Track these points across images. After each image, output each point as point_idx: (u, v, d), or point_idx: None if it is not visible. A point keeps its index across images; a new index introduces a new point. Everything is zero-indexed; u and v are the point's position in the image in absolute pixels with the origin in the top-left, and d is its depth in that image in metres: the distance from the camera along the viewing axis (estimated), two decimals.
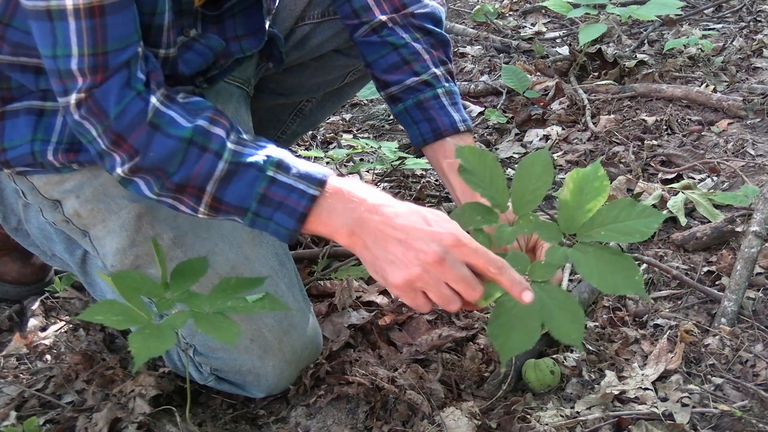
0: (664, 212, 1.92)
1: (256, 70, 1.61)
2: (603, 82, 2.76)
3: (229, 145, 1.09)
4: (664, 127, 2.42)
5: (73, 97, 1.07)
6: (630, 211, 1.07)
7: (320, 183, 1.08)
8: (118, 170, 1.12)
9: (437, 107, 1.39)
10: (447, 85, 1.41)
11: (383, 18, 1.41)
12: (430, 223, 1.05)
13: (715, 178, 2.12)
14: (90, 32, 1.03)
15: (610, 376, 1.42)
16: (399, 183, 2.23)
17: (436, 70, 1.40)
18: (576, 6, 2.88)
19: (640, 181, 2.11)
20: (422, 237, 1.03)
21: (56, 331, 1.62)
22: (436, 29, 1.43)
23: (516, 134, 2.53)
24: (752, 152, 2.24)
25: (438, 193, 2.16)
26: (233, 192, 1.09)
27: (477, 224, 1.13)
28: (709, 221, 1.88)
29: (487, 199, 1.15)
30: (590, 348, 1.50)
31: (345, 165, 2.30)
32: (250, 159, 1.09)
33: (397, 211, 1.06)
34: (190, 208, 1.13)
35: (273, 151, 1.11)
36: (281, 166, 1.09)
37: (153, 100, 1.08)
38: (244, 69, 1.54)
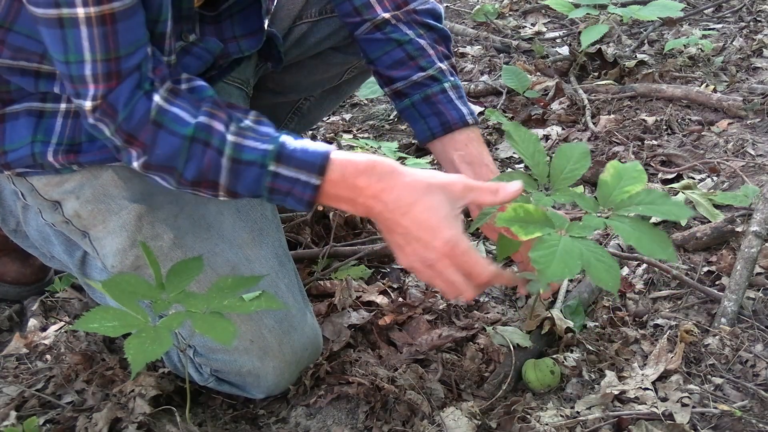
0: None
1: (255, 70, 1.61)
2: (603, 82, 2.76)
3: (230, 137, 1.11)
4: (664, 127, 2.43)
5: (88, 104, 1.09)
6: (665, 200, 1.14)
7: (320, 171, 1.11)
8: (135, 164, 1.15)
9: (445, 101, 1.39)
10: (452, 79, 1.42)
11: (386, 15, 1.41)
12: (427, 228, 1.10)
13: (715, 178, 2.12)
14: (102, 39, 1.04)
15: (610, 376, 1.42)
16: None
17: (441, 65, 1.41)
18: (577, 6, 2.88)
19: None
20: (419, 240, 1.11)
21: (56, 331, 1.62)
22: (438, 24, 1.44)
23: None
24: (752, 152, 2.24)
25: None
26: (244, 186, 1.14)
27: None
28: (709, 221, 1.88)
29: (530, 169, 1.22)
30: (590, 348, 1.50)
31: None
32: (250, 156, 1.11)
33: (398, 203, 1.10)
34: (211, 196, 1.17)
35: (271, 141, 1.12)
36: (281, 158, 1.11)
37: (156, 98, 1.10)
38: (243, 69, 1.54)
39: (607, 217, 1.14)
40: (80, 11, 1.01)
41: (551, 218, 1.12)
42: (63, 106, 1.26)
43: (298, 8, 1.63)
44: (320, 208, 1.91)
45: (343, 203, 1.14)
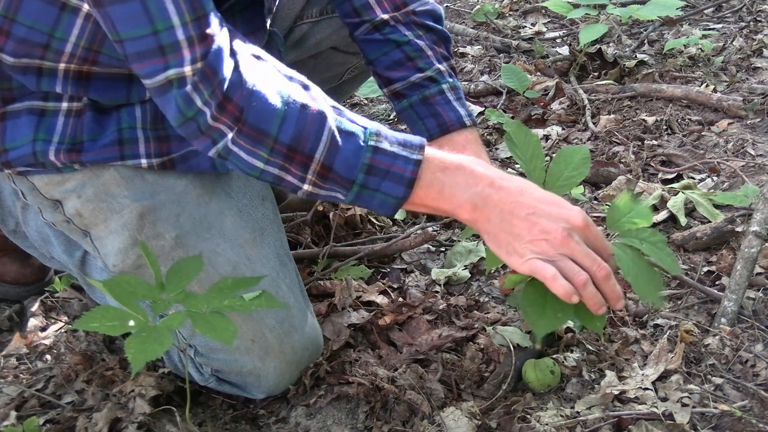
0: (664, 212, 1.93)
1: None
2: (603, 82, 2.76)
3: (326, 108, 1.09)
4: (664, 127, 2.43)
5: (187, 69, 1.02)
6: (664, 246, 1.16)
7: (420, 148, 1.09)
8: (227, 139, 1.07)
9: (443, 102, 1.40)
10: (451, 80, 1.42)
11: (385, 16, 1.42)
12: (554, 202, 1.08)
13: (715, 178, 2.12)
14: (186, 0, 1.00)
15: (610, 376, 1.42)
16: None
17: (440, 66, 1.41)
18: (576, 6, 2.88)
19: (640, 181, 2.11)
20: (549, 215, 1.05)
21: (56, 331, 1.62)
22: (437, 26, 1.44)
23: None
24: (752, 152, 2.24)
25: None
26: (342, 160, 1.07)
27: None
28: (709, 221, 1.88)
29: (525, 174, 1.19)
30: (590, 348, 1.51)
31: None
32: (350, 128, 1.08)
33: (520, 187, 1.08)
34: (297, 178, 1.10)
35: (368, 121, 1.11)
36: (380, 136, 1.09)
37: (244, 58, 1.06)
38: None
39: (613, 242, 1.15)
40: None
41: None
42: (65, 105, 1.26)
43: (299, 8, 1.63)
44: (320, 208, 1.91)
45: (457, 194, 1.07)
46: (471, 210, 1.08)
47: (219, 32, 1.04)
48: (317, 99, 1.09)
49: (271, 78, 1.07)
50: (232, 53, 1.05)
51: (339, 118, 1.09)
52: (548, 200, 1.08)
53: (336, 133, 1.07)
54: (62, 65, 1.21)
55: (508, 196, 1.07)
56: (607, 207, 1.25)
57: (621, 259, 1.12)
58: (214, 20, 1.04)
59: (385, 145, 1.08)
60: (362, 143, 1.07)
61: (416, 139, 1.10)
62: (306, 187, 1.10)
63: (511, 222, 1.06)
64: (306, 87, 1.10)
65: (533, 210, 1.06)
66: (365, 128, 1.09)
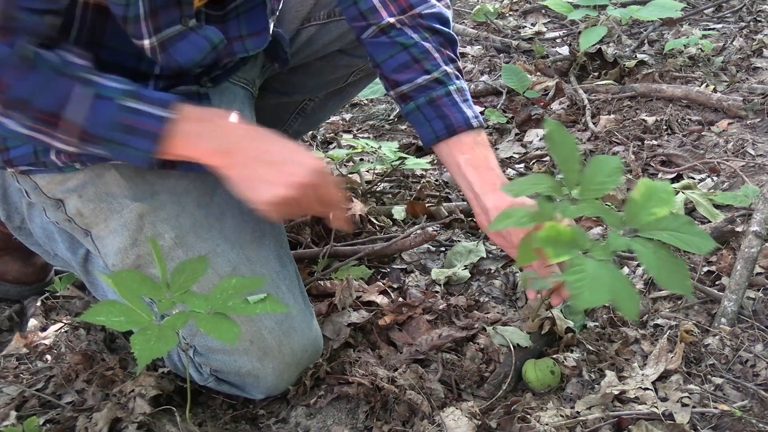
0: None
1: (261, 71, 1.62)
2: (603, 82, 2.76)
3: (91, 75, 1.14)
4: (664, 127, 2.43)
5: None
6: (689, 228, 1.14)
7: (171, 106, 1.15)
8: None
9: (450, 104, 1.40)
10: (458, 82, 1.42)
11: (391, 20, 1.42)
12: (295, 151, 1.19)
13: (715, 178, 2.13)
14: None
15: (610, 376, 1.42)
16: (399, 183, 2.24)
17: (446, 68, 1.41)
18: (576, 6, 2.88)
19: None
20: (292, 161, 1.17)
21: (56, 331, 1.62)
22: (444, 28, 1.44)
23: (516, 134, 2.54)
24: (752, 152, 2.24)
25: (438, 193, 2.16)
26: (96, 121, 1.13)
27: (545, 190, 1.18)
28: (709, 221, 1.88)
29: (562, 173, 1.20)
30: (590, 348, 1.51)
31: (345, 165, 2.30)
32: (105, 91, 1.14)
33: (265, 136, 1.20)
34: (62, 141, 1.16)
35: (126, 83, 1.16)
36: (134, 95, 1.14)
37: (33, 47, 1.11)
38: (249, 70, 1.54)
39: (632, 238, 1.14)
40: None
41: (577, 238, 1.11)
42: None
43: (307, 10, 1.63)
44: None
45: (204, 142, 1.16)
46: (221, 156, 1.17)
47: (13, 32, 1.08)
48: (83, 63, 1.15)
49: (48, 59, 1.12)
50: (11, 44, 1.09)
51: (97, 83, 1.14)
52: (288, 149, 1.19)
53: (92, 97, 1.13)
54: None
55: (254, 144, 1.18)
56: (608, 206, 1.23)
57: (642, 254, 1.12)
58: (15, 25, 1.08)
59: (135, 104, 1.14)
60: (114, 103, 1.13)
61: (171, 97, 1.17)
62: (71, 148, 1.17)
63: (257, 169, 1.16)
64: (78, 55, 1.16)
65: (276, 157, 1.17)
66: (123, 90, 1.15)
